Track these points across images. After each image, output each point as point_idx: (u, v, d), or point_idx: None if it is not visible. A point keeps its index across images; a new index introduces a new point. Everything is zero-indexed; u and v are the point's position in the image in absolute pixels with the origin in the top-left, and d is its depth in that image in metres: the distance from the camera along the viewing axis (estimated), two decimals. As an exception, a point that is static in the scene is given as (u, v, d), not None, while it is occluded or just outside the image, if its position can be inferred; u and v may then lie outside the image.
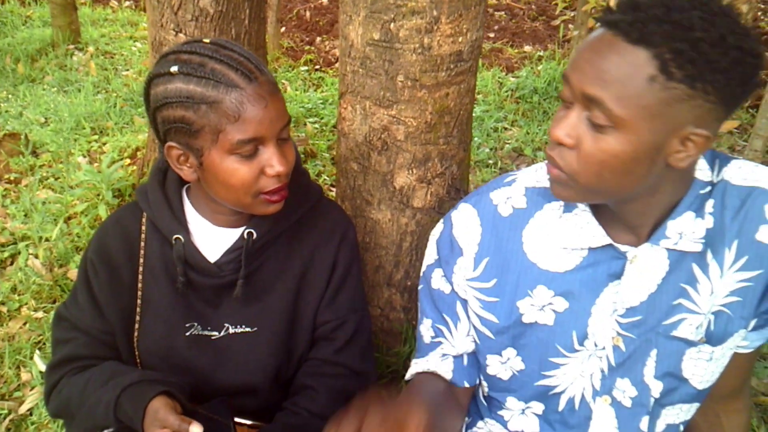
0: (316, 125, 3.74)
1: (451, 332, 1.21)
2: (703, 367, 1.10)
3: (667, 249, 1.04)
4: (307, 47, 5.29)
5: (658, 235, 1.03)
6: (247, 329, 1.32)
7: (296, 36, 5.57)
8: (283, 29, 5.59)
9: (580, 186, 0.96)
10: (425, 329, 1.24)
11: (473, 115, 3.78)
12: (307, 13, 6.10)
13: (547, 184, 1.11)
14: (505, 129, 3.78)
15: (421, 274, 1.26)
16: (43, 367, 2.11)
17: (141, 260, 1.31)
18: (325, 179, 3.18)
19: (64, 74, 4.48)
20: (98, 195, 2.76)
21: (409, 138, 1.60)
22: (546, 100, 4.10)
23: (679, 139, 0.90)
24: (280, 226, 1.32)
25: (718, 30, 0.85)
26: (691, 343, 1.08)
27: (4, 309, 2.38)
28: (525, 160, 3.47)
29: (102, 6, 6.48)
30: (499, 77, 4.43)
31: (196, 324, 1.31)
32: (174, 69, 1.13)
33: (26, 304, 2.39)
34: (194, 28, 2.45)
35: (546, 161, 1.02)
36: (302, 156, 3.32)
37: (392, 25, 1.49)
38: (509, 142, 3.63)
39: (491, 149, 3.54)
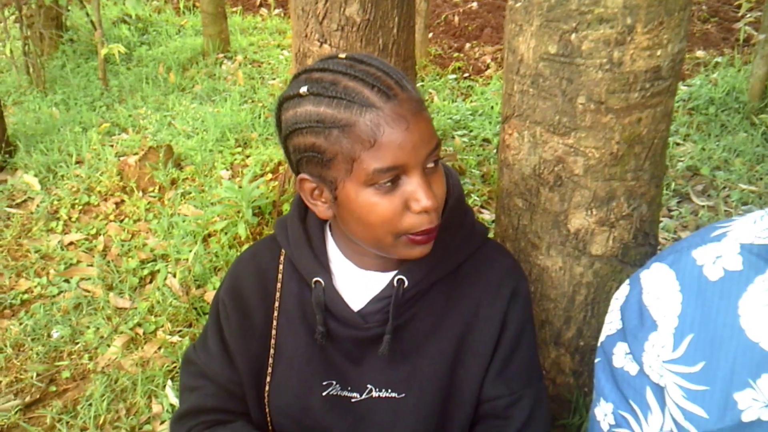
0: (465, 138, 3.52)
1: (640, 425, 0.99)
2: None
3: None
4: (455, 54, 5.10)
5: None
6: (393, 394, 1.14)
7: (444, 42, 5.39)
8: (430, 35, 5.43)
9: None
10: (602, 414, 1.03)
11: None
12: (456, 18, 5.92)
13: None
14: (677, 144, 3.39)
15: (599, 344, 1.05)
16: (174, 400, 2.03)
17: (276, 304, 1.17)
18: (475, 200, 2.96)
19: (212, 83, 4.55)
20: (238, 212, 2.68)
21: (590, 172, 1.34)
22: (724, 112, 3.67)
23: None
24: (438, 274, 1.13)
25: None
26: None
27: (141, 331, 2.34)
28: (702, 181, 3.08)
29: (252, 14, 6.61)
30: (668, 86, 4.02)
31: (334, 383, 1.15)
32: (304, 90, 1.00)
33: (162, 326, 2.33)
34: (340, 38, 2.33)
35: None
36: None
37: (573, 36, 1.24)
38: (682, 159, 3.26)
39: (662, 167, 3.18)
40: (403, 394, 1.14)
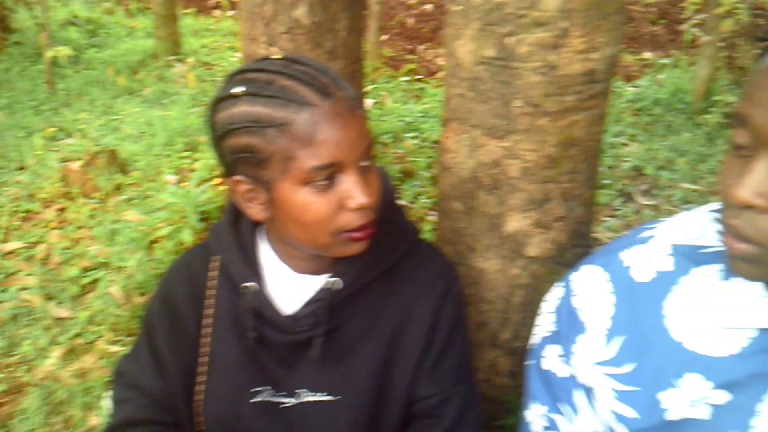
0: (416, 141, 3.53)
1: (570, 426, 0.99)
2: None
3: None
4: (409, 56, 5.11)
5: None
6: (327, 397, 1.13)
7: (398, 44, 5.40)
8: (385, 37, 5.44)
9: None
10: (534, 417, 1.04)
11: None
12: (410, 20, 5.93)
13: (699, 241, 0.89)
14: (624, 145, 3.45)
15: (531, 346, 1.06)
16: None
17: (208, 310, 1.16)
18: (424, 202, 2.96)
19: (162, 86, 4.48)
20: (184, 218, 2.64)
21: (526, 174, 1.34)
22: (670, 113, 3.74)
23: None
24: (371, 274, 1.13)
25: None
26: None
27: (81, 341, 2.29)
28: (646, 181, 3.13)
29: (205, 16, 6.53)
30: (616, 87, 4.09)
31: (267, 388, 1.14)
32: (238, 90, 0.98)
33: (103, 336, 2.29)
34: (287, 41, 2.30)
35: (723, 233, 0.78)
36: (400, 175, 3.11)
37: (510, 39, 1.24)
38: (628, 159, 3.31)
39: (608, 167, 3.22)
40: (338, 397, 1.14)
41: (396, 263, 1.16)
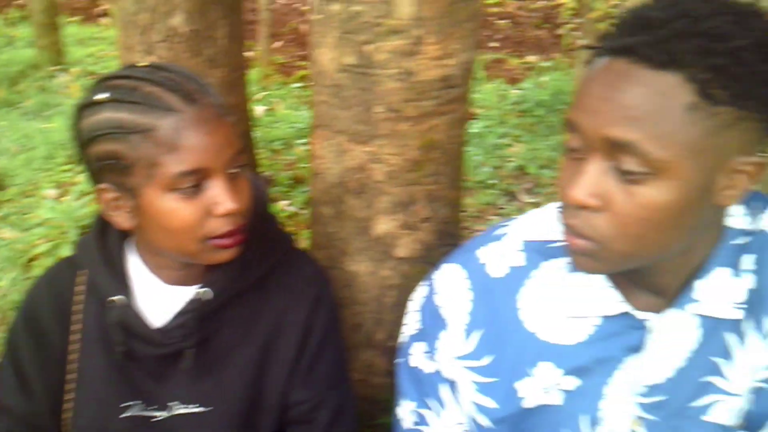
0: (307, 147, 3.53)
1: (437, 419, 1.04)
2: None
3: (698, 315, 0.87)
4: (301, 62, 5.11)
5: (684, 298, 0.86)
6: (199, 409, 1.13)
7: (291, 51, 5.39)
8: (278, 44, 5.41)
9: (615, 254, 0.79)
10: (405, 413, 1.07)
11: (474, 131, 3.62)
12: (304, 27, 5.93)
13: (547, 237, 0.94)
14: (508, 146, 3.57)
15: (400, 345, 1.09)
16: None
17: (75, 326, 1.13)
18: (314, 208, 2.96)
19: (44, 98, 4.31)
20: (64, 233, 2.55)
21: (390, 178, 1.38)
22: (551, 114, 3.90)
23: (727, 172, 0.74)
24: (242, 284, 1.13)
25: (755, 33, 0.70)
26: (725, 429, 0.90)
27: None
28: (529, 180, 3.26)
29: (91, 24, 6.32)
30: (501, 90, 4.22)
31: (137, 403, 1.12)
32: (102, 96, 0.97)
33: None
34: (165, 50, 2.27)
35: (564, 231, 0.83)
36: (290, 181, 3.11)
37: (368, 47, 1.27)
38: (512, 159, 3.42)
39: (493, 168, 3.33)
40: (210, 408, 1.13)
41: (268, 272, 1.17)
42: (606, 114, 0.73)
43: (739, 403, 0.90)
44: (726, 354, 0.88)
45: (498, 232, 1.00)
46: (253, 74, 4.44)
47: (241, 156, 1.04)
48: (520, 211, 3.00)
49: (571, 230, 0.80)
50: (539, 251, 0.95)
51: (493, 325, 0.96)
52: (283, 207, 2.93)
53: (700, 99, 0.69)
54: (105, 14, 6.64)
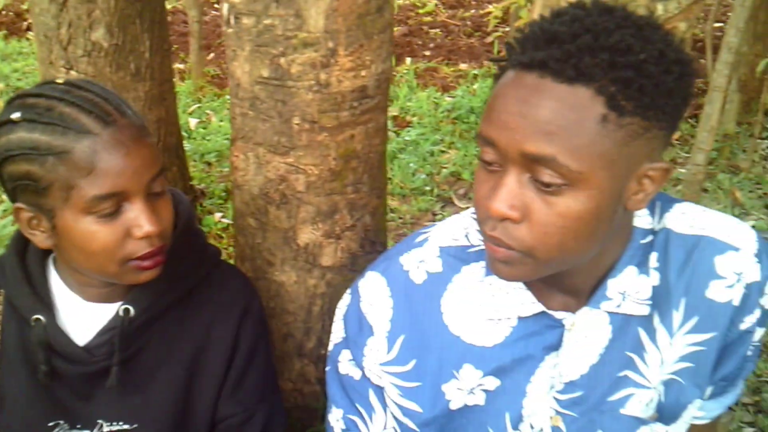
0: (241, 159, 3.51)
1: (366, 426, 1.04)
2: None
3: (609, 312, 0.90)
4: (234, 74, 5.06)
5: (598, 296, 0.89)
6: (125, 426, 1.12)
7: (223, 63, 5.34)
8: (212, 56, 5.36)
9: (537, 262, 0.81)
10: (335, 420, 1.08)
11: (408, 139, 3.66)
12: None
13: (465, 242, 0.97)
14: (442, 152, 3.62)
15: (328, 353, 1.09)
16: None
17: None
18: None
19: (-33, 115, 4.16)
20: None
21: (311, 188, 1.40)
22: (483, 120, 3.96)
23: (637, 178, 0.78)
24: (166, 300, 1.12)
25: (656, 46, 0.73)
26: (641, 422, 0.95)
27: None
28: (464, 185, 3.31)
29: (18, 39, 6.15)
30: (435, 97, 4.27)
31: (61, 422, 1.11)
32: (16, 116, 0.96)
33: None
34: (87, 64, 2.25)
35: (485, 240, 0.85)
36: (224, 194, 3.09)
37: (283, 59, 1.29)
38: (446, 166, 3.47)
39: (428, 175, 3.37)
40: (137, 425, 1.13)
41: (194, 287, 1.16)
42: (522, 129, 0.74)
43: (652, 395, 0.94)
44: (639, 349, 0.92)
45: (419, 238, 1.02)
46: (186, 86, 4.39)
47: (162, 176, 1.03)
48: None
49: (493, 242, 0.82)
50: (457, 256, 0.97)
51: (415, 330, 0.97)
52: (217, 219, 2.91)
53: (610, 111, 0.72)
54: (30, 29, 6.48)
